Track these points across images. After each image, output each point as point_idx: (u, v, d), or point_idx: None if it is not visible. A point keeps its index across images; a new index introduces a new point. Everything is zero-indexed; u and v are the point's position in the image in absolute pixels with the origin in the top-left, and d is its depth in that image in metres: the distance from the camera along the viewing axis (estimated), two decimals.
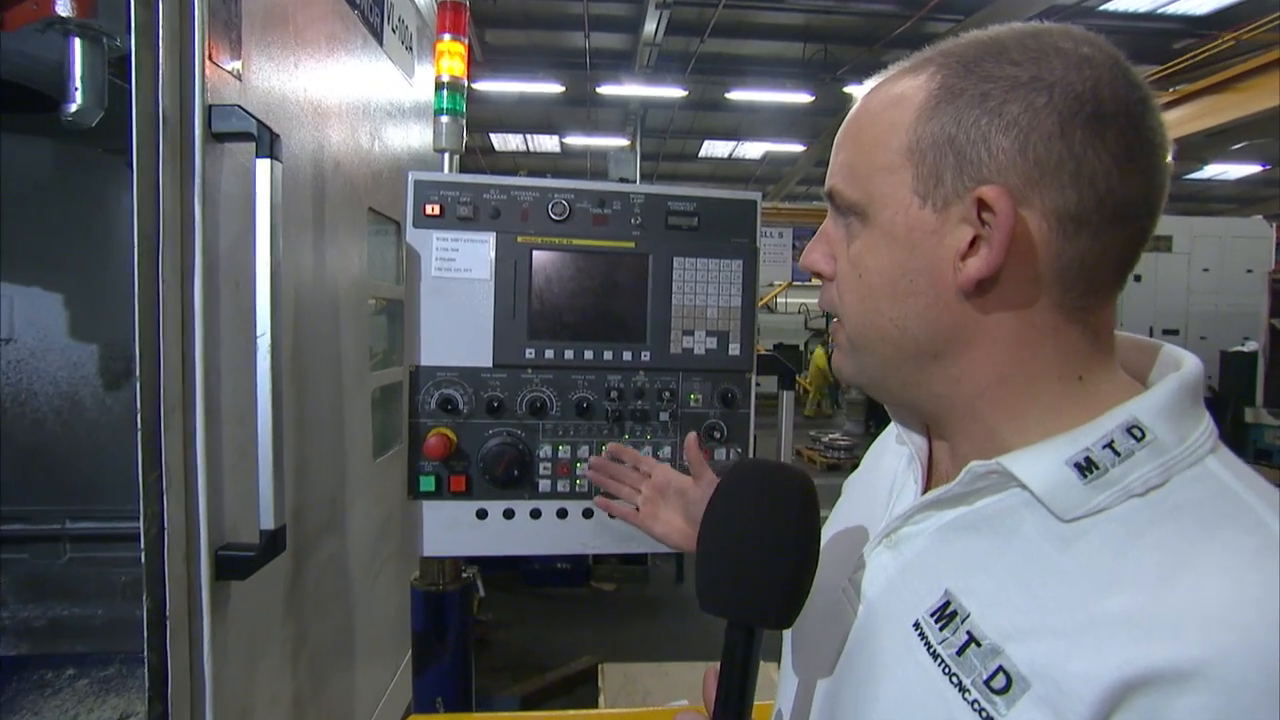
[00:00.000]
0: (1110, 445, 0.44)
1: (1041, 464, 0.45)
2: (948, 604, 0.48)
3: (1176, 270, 7.97)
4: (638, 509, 0.97)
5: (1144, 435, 0.44)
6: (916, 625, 0.49)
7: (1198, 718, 0.36)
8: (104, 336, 1.47)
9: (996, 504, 0.48)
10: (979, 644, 0.45)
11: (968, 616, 0.46)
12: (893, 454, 0.64)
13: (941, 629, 0.47)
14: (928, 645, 0.47)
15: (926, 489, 0.57)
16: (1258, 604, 0.37)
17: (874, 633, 0.53)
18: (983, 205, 0.45)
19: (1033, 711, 0.41)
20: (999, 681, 0.43)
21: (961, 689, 0.44)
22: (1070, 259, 0.45)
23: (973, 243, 0.46)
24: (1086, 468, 0.44)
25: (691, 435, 0.96)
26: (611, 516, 0.98)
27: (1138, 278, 7.71)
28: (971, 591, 0.47)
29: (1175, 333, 7.84)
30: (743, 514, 0.52)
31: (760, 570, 0.51)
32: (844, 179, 0.53)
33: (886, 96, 0.50)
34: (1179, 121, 6.97)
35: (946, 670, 0.46)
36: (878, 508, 0.60)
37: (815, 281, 0.59)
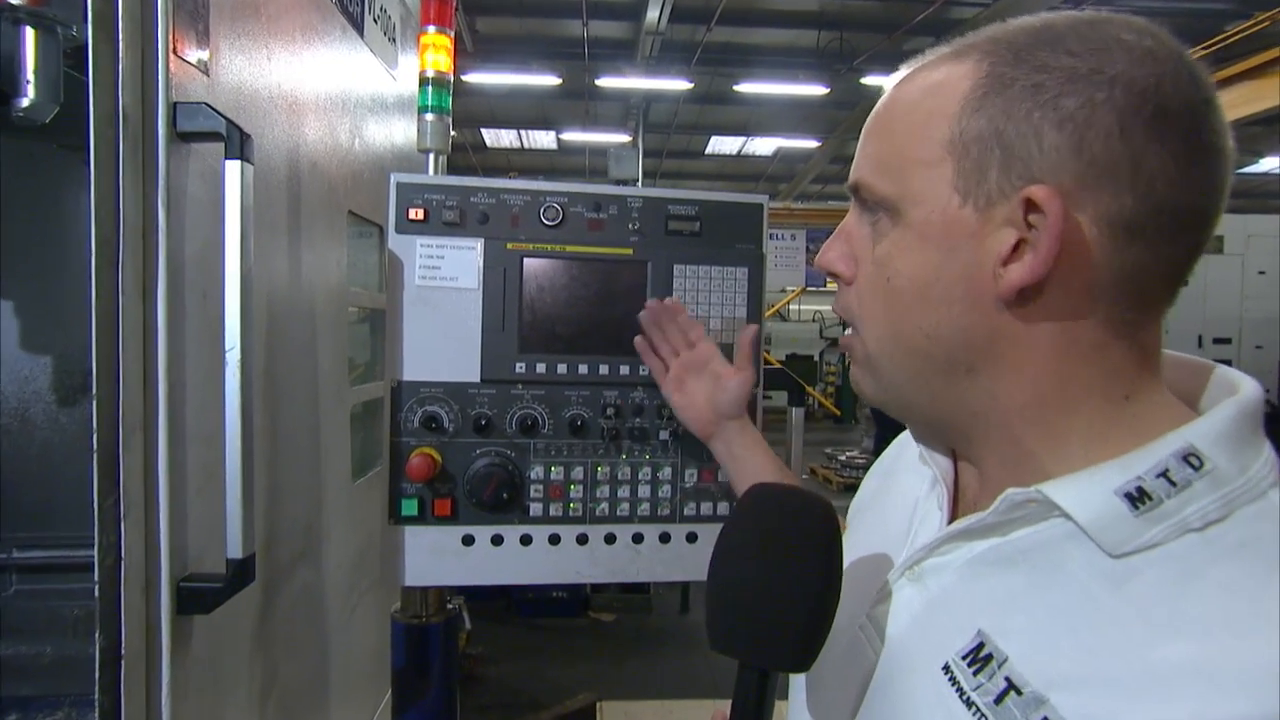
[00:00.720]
0: (1165, 474, 0.43)
1: (1088, 493, 0.45)
2: (981, 645, 0.47)
3: (1229, 273, 7.89)
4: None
5: (1202, 464, 0.43)
6: (946, 668, 0.48)
7: None
8: (58, 349, 1.46)
9: (1035, 536, 0.47)
10: (1019, 692, 0.44)
11: (1005, 660, 0.45)
12: (913, 475, 0.63)
13: (975, 673, 0.46)
14: (960, 691, 0.47)
15: (953, 516, 0.56)
16: None
17: (899, 675, 0.52)
18: (1030, 206, 0.45)
19: None
20: None
21: None
22: (1120, 269, 0.45)
23: (1016, 247, 0.46)
24: (1138, 498, 0.43)
25: (753, 327, 1.05)
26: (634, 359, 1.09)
27: (1184, 282, 7.65)
28: (1008, 633, 0.46)
29: (1227, 341, 7.75)
30: (759, 546, 0.52)
31: (777, 609, 0.50)
32: (873, 172, 0.52)
33: (925, 84, 0.50)
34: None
35: None
36: (897, 536, 0.60)
37: (832, 286, 0.58)
